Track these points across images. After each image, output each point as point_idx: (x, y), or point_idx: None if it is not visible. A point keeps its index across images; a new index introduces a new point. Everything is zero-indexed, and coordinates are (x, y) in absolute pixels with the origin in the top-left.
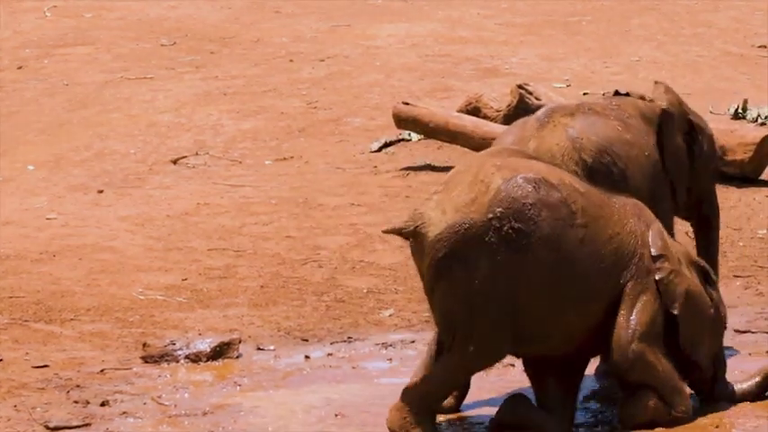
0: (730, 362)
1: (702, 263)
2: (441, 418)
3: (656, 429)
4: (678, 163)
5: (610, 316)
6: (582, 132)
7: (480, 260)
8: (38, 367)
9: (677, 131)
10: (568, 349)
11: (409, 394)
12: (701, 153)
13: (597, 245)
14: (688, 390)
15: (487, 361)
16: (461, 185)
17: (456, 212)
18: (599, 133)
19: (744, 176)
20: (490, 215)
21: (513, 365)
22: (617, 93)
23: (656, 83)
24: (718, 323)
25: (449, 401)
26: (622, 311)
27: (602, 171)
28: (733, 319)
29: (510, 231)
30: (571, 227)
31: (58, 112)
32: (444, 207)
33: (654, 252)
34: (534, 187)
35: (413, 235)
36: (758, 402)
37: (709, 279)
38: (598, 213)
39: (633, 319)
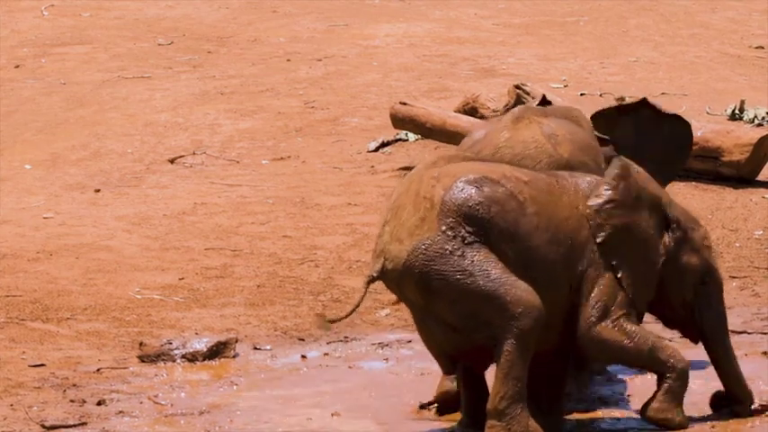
0: None
1: None
2: (436, 420)
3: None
4: None
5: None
6: (557, 130)
7: (453, 266)
8: (34, 366)
9: None
10: (547, 340)
11: (496, 411)
12: None
13: (552, 230)
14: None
15: (537, 322)
16: (407, 207)
17: (411, 237)
18: (574, 134)
19: (740, 177)
20: (443, 228)
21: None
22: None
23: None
24: None
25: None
26: (580, 304)
27: (579, 167)
28: (729, 320)
29: (466, 235)
30: (524, 216)
31: (56, 112)
32: (399, 236)
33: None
34: (477, 187)
35: (383, 273)
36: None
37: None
38: (547, 199)
39: (589, 304)
